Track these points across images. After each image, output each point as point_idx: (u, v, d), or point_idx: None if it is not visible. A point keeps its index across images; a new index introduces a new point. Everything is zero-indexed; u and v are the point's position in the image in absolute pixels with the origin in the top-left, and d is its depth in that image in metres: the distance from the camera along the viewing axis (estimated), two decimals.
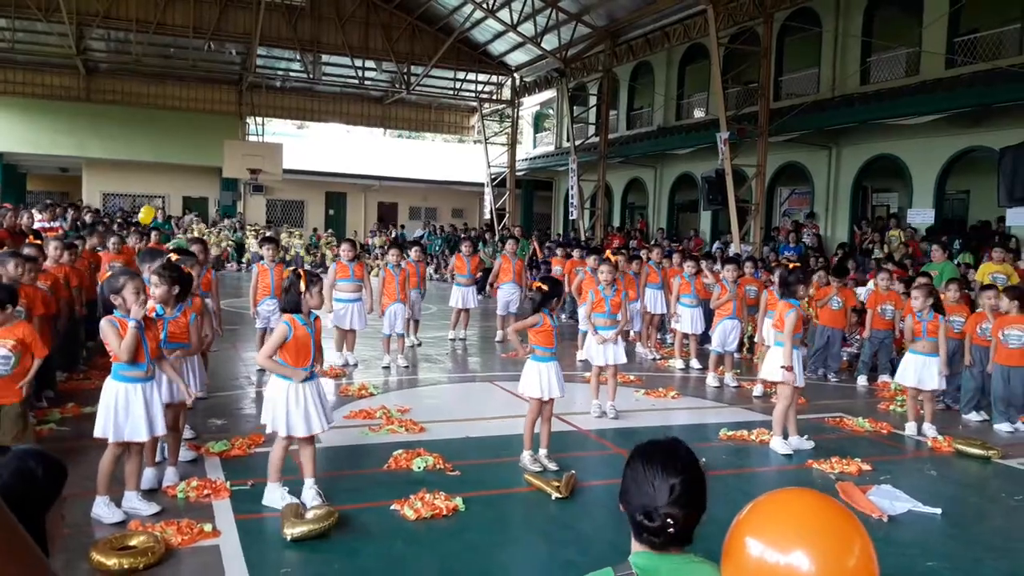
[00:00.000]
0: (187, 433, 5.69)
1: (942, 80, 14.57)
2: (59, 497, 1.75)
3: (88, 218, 16.12)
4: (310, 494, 4.69)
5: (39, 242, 7.91)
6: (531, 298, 5.79)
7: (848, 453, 6.13)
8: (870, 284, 10.71)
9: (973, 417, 7.76)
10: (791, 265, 6.96)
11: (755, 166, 17.12)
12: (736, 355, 9.36)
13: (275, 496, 4.68)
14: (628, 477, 1.80)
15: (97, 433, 4.40)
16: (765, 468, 6.00)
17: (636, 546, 1.80)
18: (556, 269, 14.03)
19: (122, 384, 4.38)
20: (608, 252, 8.86)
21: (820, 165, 17.99)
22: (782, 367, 6.22)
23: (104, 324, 4.35)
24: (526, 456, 5.59)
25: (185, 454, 5.40)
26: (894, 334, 9.42)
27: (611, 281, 7.36)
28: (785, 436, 6.32)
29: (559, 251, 14.72)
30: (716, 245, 15.96)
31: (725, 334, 8.75)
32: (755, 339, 10.67)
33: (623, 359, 7.35)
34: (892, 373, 9.23)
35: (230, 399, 7.55)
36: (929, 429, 6.87)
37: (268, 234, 18.56)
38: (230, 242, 24.28)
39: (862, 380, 9.31)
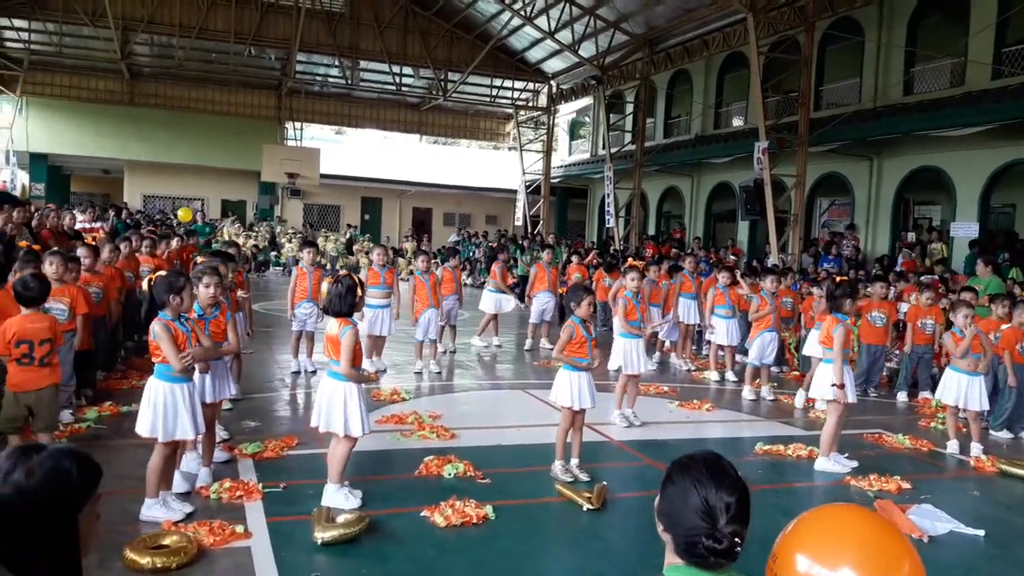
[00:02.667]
0: (221, 434, 5.74)
1: (988, 91, 14.26)
2: (94, 496, 1.75)
3: (128, 220, 16.42)
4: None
5: (92, 243, 8.07)
6: (560, 308, 5.78)
7: (887, 471, 6.00)
8: (911, 298, 10.52)
9: (1004, 435, 7.54)
10: (838, 279, 6.81)
11: (794, 176, 16.89)
12: (774, 368, 9.22)
13: (339, 496, 4.75)
14: (673, 496, 1.74)
15: (145, 432, 4.43)
16: (802, 483, 5.88)
17: (674, 560, 1.73)
18: (575, 276, 14.00)
19: (168, 384, 4.42)
20: (631, 260, 8.74)
21: (861, 176, 17.70)
22: (832, 384, 6.08)
23: (158, 328, 4.39)
24: (557, 466, 5.53)
25: (219, 455, 5.44)
26: (934, 349, 9.23)
27: (637, 289, 7.33)
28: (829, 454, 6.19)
29: (574, 259, 14.67)
30: (771, 261, 15.72)
31: (763, 347, 8.62)
32: (794, 351, 10.53)
33: (644, 367, 7.30)
34: (933, 389, 9.08)
35: (264, 401, 7.60)
36: (975, 448, 6.69)
37: (308, 238, 18.72)
38: (265, 247, 24.55)
39: (902, 396, 9.12)
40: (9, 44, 24.59)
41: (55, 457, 1.70)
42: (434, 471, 5.51)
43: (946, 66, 15.91)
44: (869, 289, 9.56)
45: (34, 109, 25.50)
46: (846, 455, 6.26)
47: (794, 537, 1.63)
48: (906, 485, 5.71)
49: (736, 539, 1.64)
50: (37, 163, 26.33)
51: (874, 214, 17.49)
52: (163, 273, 4.59)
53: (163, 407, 4.37)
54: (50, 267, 6.05)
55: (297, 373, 8.81)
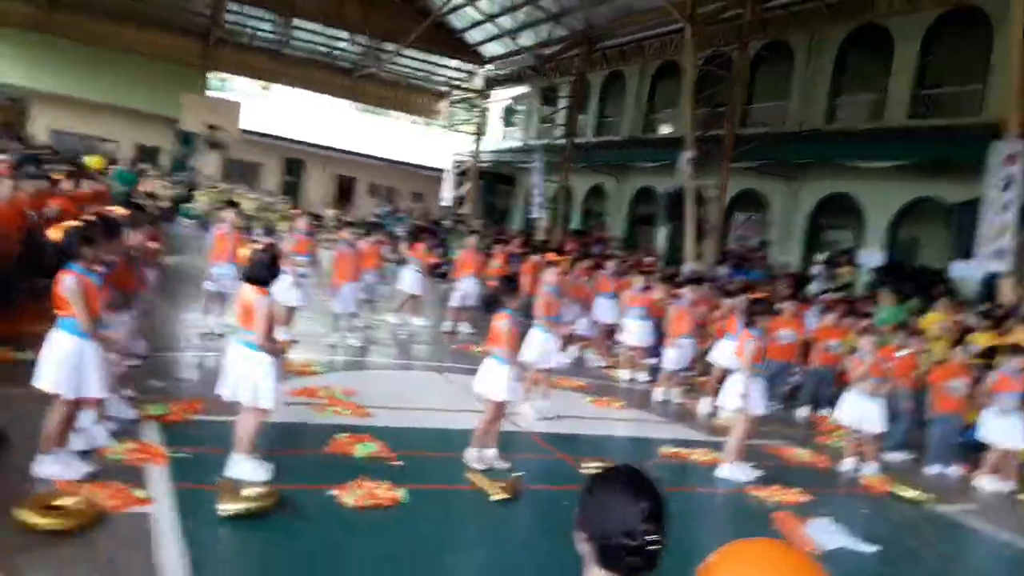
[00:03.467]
0: (128, 391, 5.47)
1: (904, 128, 14.97)
2: None
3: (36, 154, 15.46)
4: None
5: None
6: (486, 299, 5.76)
7: (787, 483, 6.22)
8: (812, 317, 10.97)
9: (897, 456, 7.95)
10: (755, 296, 7.03)
11: (715, 188, 17.33)
12: (684, 373, 9.46)
13: (247, 467, 4.63)
14: (593, 503, 1.77)
15: (48, 388, 4.19)
16: (705, 489, 6.05)
17: (594, 573, 1.76)
18: (495, 264, 14.01)
19: (75, 338, 4.19)
20: (551, 255, 8.74)
21: (778, 195, 18.31)
22: (740, 395, 6.26)
23: (71, 282, 4.14)
24: (473, 453, 5.52)
25: (126, 411, 5.20)
26: (836, 369, 9.63)
27: (557, 284, 7.39)
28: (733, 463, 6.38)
29: (497, 247, 14.69)
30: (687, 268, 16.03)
31: (679, 352, 8.82)
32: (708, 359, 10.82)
33: (554, 362, 7.43)
34: (832, 407, 9.49)
35: (170, 361, 7.31)
36: (870, 468, 7.02)
37: (231, 198, 18.05)
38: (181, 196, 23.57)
39: (803, 412, 9.48)
40: None
41: None
42: (345, 449, 5.41)
43: (867, 100, 16.62)
44: (780, 306, 9.88)
45: None
46: (751, 464, 6.47)
47: (716, 570, 1.68)
48: (804, 498, 5.94)
49: (655, 544, 1.69)
50: None
51: (788, 232, 18.14)
52: (77, 223, 4.33)
53: (69, 363, 4.14)
54: None
55: (208, 335, 8.51)
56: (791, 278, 15.12)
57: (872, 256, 15.54)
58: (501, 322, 5.56)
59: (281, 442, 5.48)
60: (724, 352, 8.84)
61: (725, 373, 8.65)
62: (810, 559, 1.76)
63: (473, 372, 8.62)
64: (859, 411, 7.06)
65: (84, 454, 4.51)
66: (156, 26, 25.93)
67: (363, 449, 5.44)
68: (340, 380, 7.44)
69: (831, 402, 9.44)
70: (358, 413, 6.35)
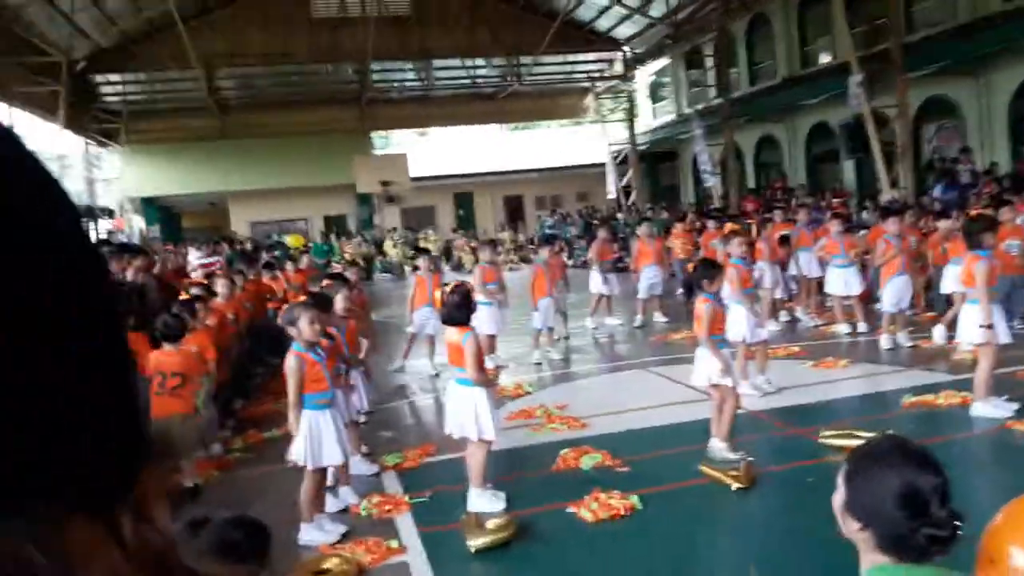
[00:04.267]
0: (363, 448, 5.87)
1: None
2: (266, 561, 1.76)
3: (247, 248, 17.11)
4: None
5: (205, 281, 8.43)
6: (686, 284, 5.58)
7: None
8: None
9: None
10: (973, 212, 6.38)
11: (895, 106, 15.97)
12: (909, 312, 8.76)
13: (484, 500, 4.84)
14: (868, 488, 1.59)
15: (297, 460, 4.57)
16: (961, 434, 5.56)
17: (878, 559, 1.61)
18: (675, 243, 13.68)
19: (313, 412, 4.56)
20: (730, 225, 8.33)
21: (968, 95, 16.57)
22: (982, 326, 5.71)
23: (290, 361, 4.53)
24: (719, 444, 5.36)
25: (367, 468, 5.59)
26: None
27: (744, 255, 7.06)
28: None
29: (678, 225, 14.31)
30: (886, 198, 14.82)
31: (897, 292, 8.19)
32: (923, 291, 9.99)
33: (764, 335, 7.07)
34: None
35: (395, 411, 7.76)
36: None
37: (420, 245, 19.07)
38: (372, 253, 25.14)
39: None
40: (108, 98, 25.98)
41: (221, 528, 1.71)
42: (572, 464, 5.48)
43: None
44: (999, 214, 8.92)
45: (138, 156, 26.87)
46: (1004, 397, 5.86)
47: (1006, 530, 1.49)
48: None
49: (956, 522, 1.51)
50: (148, 206, 27.79)
51: (988, 134, 16.36)
52: (286, 306, 4.72)
53: (308, 434, 4.50)
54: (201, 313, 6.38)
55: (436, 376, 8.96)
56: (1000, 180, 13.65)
57: None
58: (702, 307, 5.41)
59: (509, 467, 5.65)
60: (952, 279, 8.11)
61: (961, 301, 7.96)
62: None
63: (675, 362, 8.57)
64: None
65: (338, 515, 4.87)
66: (315, 104, 27.86)
67: (589, 461, 5.48)
68: (551, 396, 7.56)
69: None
70: (574, 426, 6.42)
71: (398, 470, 5.69)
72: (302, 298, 4.87)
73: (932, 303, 9.91)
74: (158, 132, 27.13)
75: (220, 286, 8.45)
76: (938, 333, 8.12)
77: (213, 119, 27.11)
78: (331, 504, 4.95)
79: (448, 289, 4.98)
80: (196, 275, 11.94)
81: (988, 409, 5.73)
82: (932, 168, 17.20)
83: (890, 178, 15.66)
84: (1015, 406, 5.73)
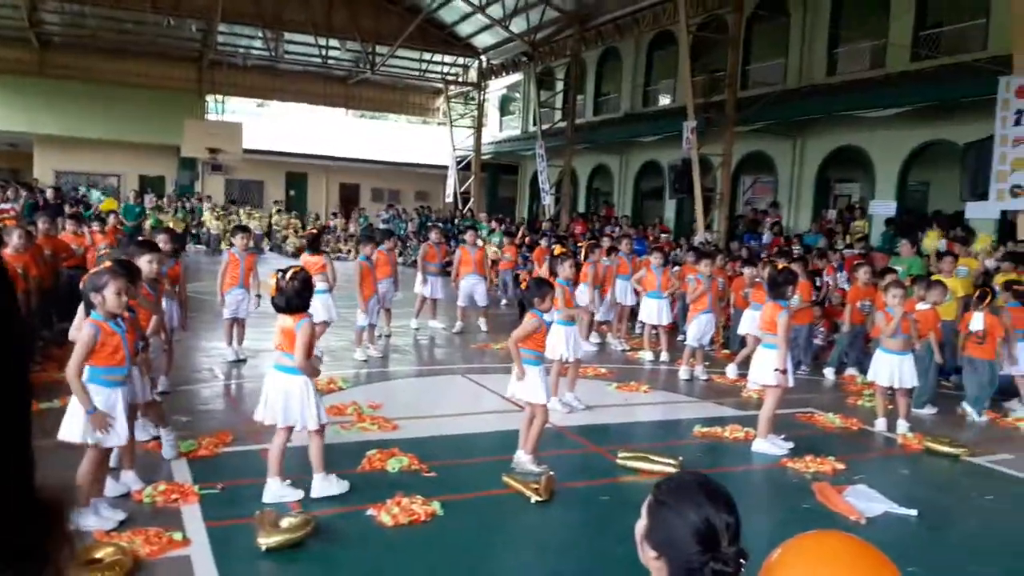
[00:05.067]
0: (150, 432, 5.49)
1: (907, 73, 14.72)
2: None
3: (44, 199, 15.62)
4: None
5: None
6: (517, 299, 5.67)
7: (821, 451, 6.16)
8: (830, 277, 10.88)
9: (926, 412, 7.82)
10: (779, 265, 6.93)
11: (721, 155, 17.17)
12: (708, 348, 9.40)
13: (327, 484, 4.83)
14: (668, 520, 1.66)
15: (72, 438, 4.19)
16: (743, 467, 6.00)
17: None
18: (506, 256, 13.97)
19: (102, 388, 4.20)
20: (559, 248, 8.57)
21: (785, 155, 18.11)
22: (776, 369, 6.20)
23: (86, 328, 4.15)
24: (525, 457, 5.45)
25: (169, 451, 5.27)
26: (866, 329, 9.57)
27: (569, 278, 7.30)
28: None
29: (505, 239, 14.64)
30: (699, 239, 15.83)
31: (701, 328, 8.77)
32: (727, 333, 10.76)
33: (580, 354, 7.34)
34: (860, 368, 9.39)
35: (194, 394, 7.34)
36: (902, 425, 6.93)
37: (241, 223, 18.17)
38: (188, 223, 23.71)
39: (829, 373, 9.39)
40: None
41: None
42: (378, 465, 5.41)
43: (867, 48, 16.36)
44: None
45: None
46: (782, 436, 6.41)
47: (781, 567, 1.61)
48: (840, 466, 5.87)
49: (742, 560, 1.61)
50: None
51: (797, 192, 17.94)
52: (94, 270, 4.32)
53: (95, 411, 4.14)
54: None
55: (236, 362, 8.56)
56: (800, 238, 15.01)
57: (884, 206, 15.33)
58: (528, 323, 5.51)
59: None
60: (750, 323, 8.79)
61: (755, 344, 8.63)
62: (880, 554, 1.68)
63: (491, 371, 8.72)
64: (892, 369, 6.95)
65: (118, 501, 4.53)
66: (150, 57, 26.03)
67: (395, 463, 5.43)
68: (365, 394, 7.45)
69: (857, 363, 9.41)
70: (385, 427, 6.35)
71: (190, 458, 5.37)
72: (107, 263, 4.45)
73: (728, 341, 10.72)
74: None
75: (14, 236, 7.70)
76: (731, 370, 8.78)
77: (30, 52, 24.69)
78: (112, 488, 4.59)
79: (288, 275, 4.76)
80: None
81: (768, 446, 6.24)
82: (743, 217, 18.60)
83: (706, 221, 16.77)
84: (791, 445, 6.27)
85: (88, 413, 4.12)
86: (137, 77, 26.05)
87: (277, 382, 4.78)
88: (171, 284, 6.73)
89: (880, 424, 7.10)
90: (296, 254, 23.21)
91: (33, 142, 26.47)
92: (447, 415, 7.02)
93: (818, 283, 10.92)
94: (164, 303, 6.34)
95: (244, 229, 9.19)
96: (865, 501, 5.10)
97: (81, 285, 4.37)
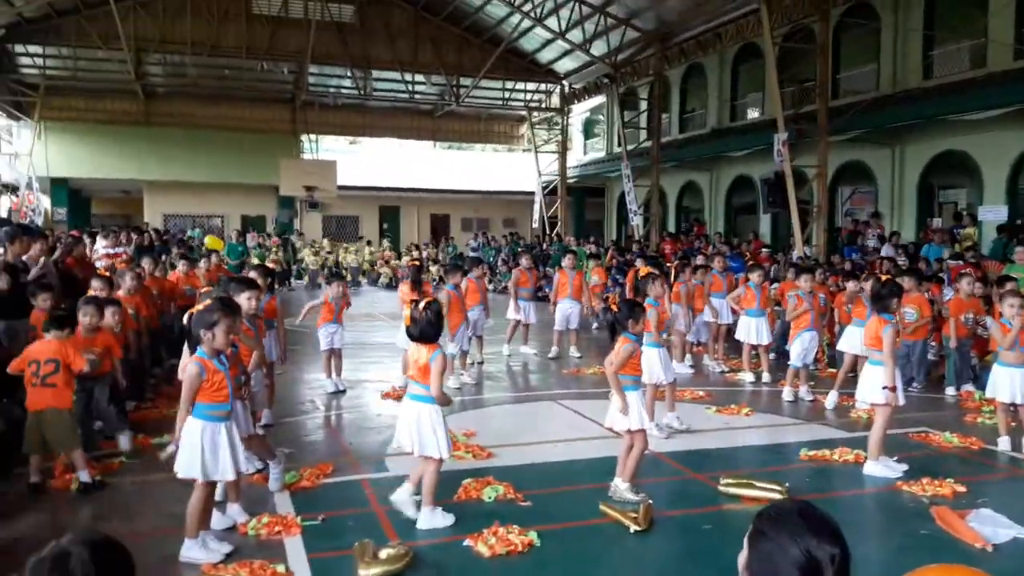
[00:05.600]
0: (257, 464, 5.64)
1: (1010, 71, 13.99)
2: None
3: (154, 243, 16.48)
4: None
5: (106, 274, 8.06)
6: (607, 322, 5.55)
7: (939, 473, 5.80)
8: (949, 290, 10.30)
9: None
10: (883, 278, 6.61)
11: (815, 166, 16.64)
12: (812, 367, 9.04)
13: (436, 517, 4.86)
14: (768, 552, 1.58)
15: (183, 474, 4.35)
16: (853, 491, 5.71)
17: None
18: (595, 280, 13.79)
19: (207, 423, 4.34)
20: (644, 268, 8.37)
21: (883, 163, 17.42)
22: (884, 387, 5.90)
23: (191, 367, 4.30)
24: (623, 485, 5.34)
25: (275, 483, 5.40)
26: (971, 341, 9.06)
27: (659, 297, 7.14)
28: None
29: (593, 262, 14.49)
30: (797, 254, 15.30)
31: (804, 347, 8.45)
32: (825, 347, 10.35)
33: (674, 376, 7.17)
34: (974, 381, 8.87)
35: (296, 426, 7.52)
36: None
37: (336, 270, 18.73)
38: (288, 259, 24.56)
39: (951, 391, 8.88)
40: (25, 70, 24.81)
41: (57, 558, 1.55)
42: (473, 495, 5.39)
43: (966, 48, 15.64)
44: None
45: (52, 134, 25.68)
46: (895, 458, 6.08)
47: None
48: (960, 488, 5.51)
49: None
50: (58, 187, 26.57)
51: (898, 201, 17.21)
52: (200, 307, 4.48)
53: (201, 447, 4.28)
54: (84, 317, 6.09)
55: (336, 393, 8.77)
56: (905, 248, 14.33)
57: (994, 212, 14.50)
58: (624, 349, 5.39)
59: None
60: (852, 340, 8.42)
61: (855, 362, 8.26)
62: None
63: (585, 396, 8.62)
64: (1013, 384, 6.50)
65: (224, 534, 4.65)
66: (246, 101, 27.27)
67: (491, 492, 5.41)
68: (459, 422, 7.46)
69: (974, 378, 8.89)
70: (480, 455, 6.34)
71: (292, 490, 5.48)
72: (207, 301, 4.62)
73: (833, 360, 10.28)
74: (77, 111, 26.05)
75: (127, 278, 8.13)
76: (831, 399, 8.32)
77: (136, 103, 26.23)
78: (218, 521, 4.72)
79: (422, 306, 4.89)
80: (100, 265, 11.42)
81: (880, 468, 5.92)
82: (842, 229, 17.94)
83: (804, 235, 16.25)
84: (905, 467, 5.93)
85: (174, 446, 4.33)
86: (235, 121, 27.31)
87: (410, 410, 4.90)
88: (269, 319, 6.93)
89: (1003, 443, 6.65)
90: (390, 286, 23.75)
91: (143, 188, 28.04)
92: (542, 442, 6.96)
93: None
94: (264, 338, 6.54)
95: (339, 277, 9.58)
96: (991, 526, 4.76)
97: (185, 322, 4.53)
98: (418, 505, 4.91)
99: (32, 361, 5.45)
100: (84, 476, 5.43)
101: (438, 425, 4.84)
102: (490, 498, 5.33)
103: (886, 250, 14.48)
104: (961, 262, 11.95)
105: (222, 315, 4.37)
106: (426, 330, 4.83)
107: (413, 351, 4.93)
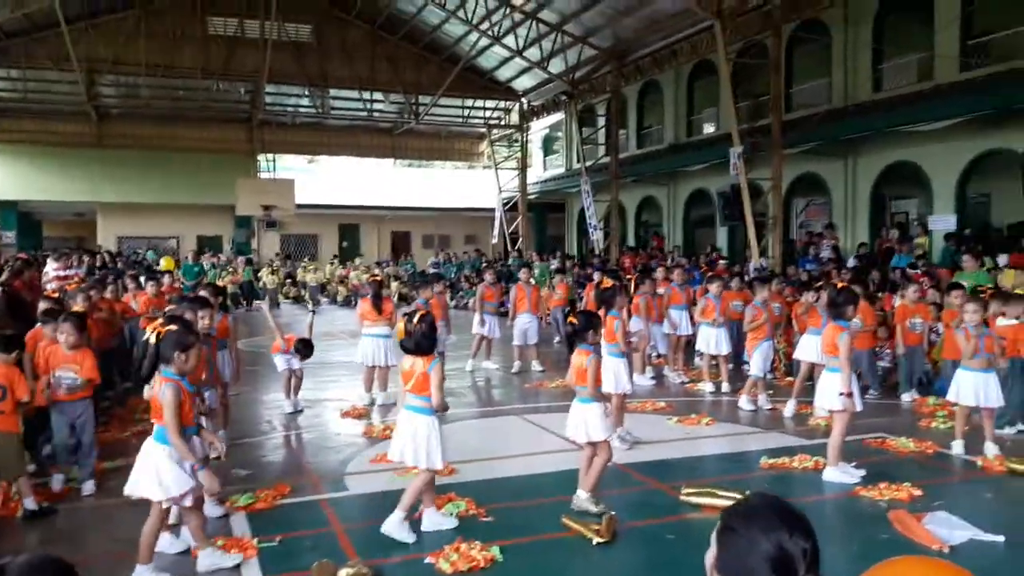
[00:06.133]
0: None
1: (957, 83, 14.38)
2: None
3: (107, 264, 16.14)
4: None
5: (54, 295, 7.86)
6: (566, 334, 5.55)
7: (896, 478, 5.87)
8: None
9: (1008, 432, 7.42)
10: (839, 284, 6.69)
11: (770, 179, 16.91)
12: (769, 375, 9.13)
13: (437, 518, 5.00)
14: (738, 547, 1.54)
15: (156, 496, 4.18)
16: (813, 497, 5.74)
17: None
18: (558, 293, 13.84)
19: (170, 449, 4.20)
20: (605, 280, 8.40)
21: (837, 175, 17.76)
22: (841, 393, 5.97)
23: (168, 392, 4.16)
24: (584, 496, 5.32)
25: (213, 510, 5.22)
26: (924, 348, 9.23)
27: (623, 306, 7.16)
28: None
29: (556, 276, 14.53)
30: (753, 265, 15.50)
31: (764, 357, 8.53)
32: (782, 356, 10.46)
33: (631, 388, 7.19)
34: (920, 387, 9.05)
35: (253, 446, 7.37)
36: (991, 448, 6.56)
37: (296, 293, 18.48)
38: (248, 282, 24.22)
39: (907, 397, 9.02)
40: None
41: (18, 572, 1.49)
42: None
43: (914, 62, 16.05)
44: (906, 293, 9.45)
45: (1, 156, 25.11)
46: (853, 464, 6.14)
47: None
48: (917, 492, 5.58)
49: None
50: (6, 210, 25.95)
51: (852, 212, 17.54)
52: (173, 328, 4.36)
53: (167, 471, 4.17)
54: (62, 335, 5.87)
55: (294, 414, 8.62)
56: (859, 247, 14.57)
57: (943, 221, 14.86)
58: (584, 359, 5.39)
59: (370, 513, 5.42)
60: (808, 349, 8.52)
61: (812, 370, 8.36)
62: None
63: (547, 410, 8.59)
64: (977, 388, 6.61)
65: (178, 557, 4.52)
66: (201, 121, 26.95)
67: (452, 508, 5.34)
68: None
69: (923, 383, 9.07)
70: (442, 471, 6.24)
71: (248, 511, 5.36)
72: (158, 319, 4.53)
73: (791, 369, 10.39)
74: (26, 132, 25.54)
75: (78, 299, 7.93)
76: (789, 408, 8.38)
77: (89, 125, 25.79)
78: (171, 545, 4.60)
79: (415, 319, 4.92)
80: (50, 287, 11.15)
81: (839, 474, 5.97)
82: (797, 240, 18.24)
83: (760, 247, 16.47)
84: (863, 473, 5.99)
85: (200, 469, 4.22)
86: (190, 141, 26.97)
87: (407, 422, 4.92)
88: (221, 338, 6.80)
89: (957, 447, 6.76)
90: (347, 303, 23.54)
91: (96, 210, 27.52)
92: (504, 457, 6.91)
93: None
94: (216, 358, 6.42)
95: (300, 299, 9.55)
96: (947, 528, 4.82)
97: (152, 340, 4.34)
98: (410, 528, 4.86)
99: None
100: (30, 503, 5.25)
101: (435, 437, 4.87)
102: (452, 514, 5.26)
103: (851, 262, 14.75)
104: (916, 271, 12.22)
105: (196, 339, 4.41)
106: (421, 342, 4.89)
107: (407, 364, 4.97)
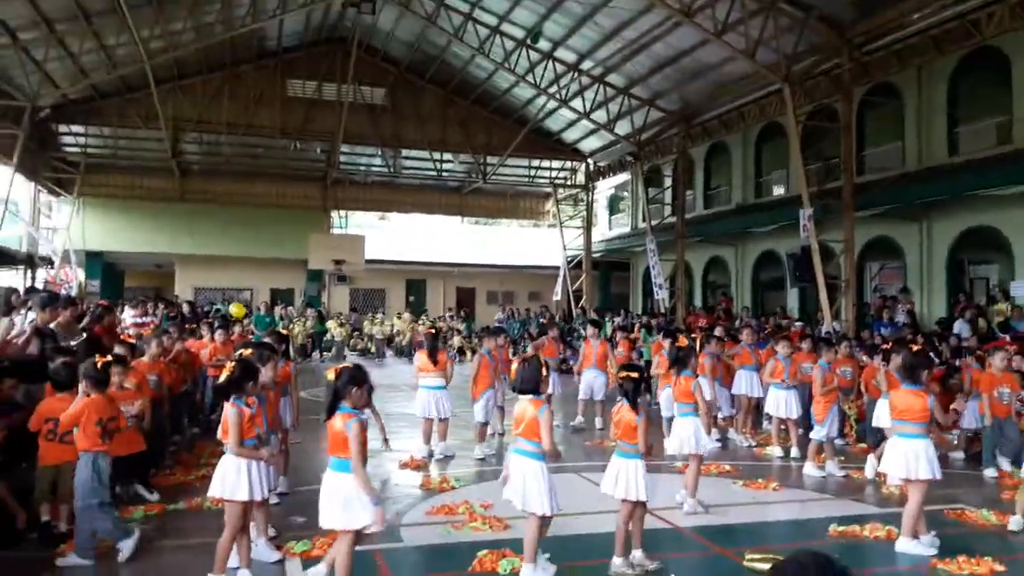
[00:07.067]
0: (269, 532, 5.54)
1: None
2: None
3: (185, 311, 16.70)
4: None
5: (129, 339, 8.14)
6: (625, 390, 5.45)
7: (975, 551, 5.54)
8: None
9: None
10: (914, 347, 6.46)
11: (842, 241, 16.56)
12: (837, 441, 8.80)
13: (539, 573, 4.94)
14: None
15: (216, 494, 4.75)
16: (885, 568, 5.46)
17: None
18: (619, 351, 13.63)
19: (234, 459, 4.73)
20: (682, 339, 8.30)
21: (911, 239, 17.29)
22: (925, 458, 5.72)
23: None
24: (619, 562, 5.20)
25: (270, 554, 5.24)
26: (1013, 419, 8.76)
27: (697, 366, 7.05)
28: (914, 535, 5.76)
29: (619, 334, 14.36)
30: (825, 328, 15.13)
31: (832, 422, 8.25)
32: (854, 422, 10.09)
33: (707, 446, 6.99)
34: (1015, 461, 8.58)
35: (311, 494, 7.37)
36: None
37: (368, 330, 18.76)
38: (315, 331, 24.70)
39: (990, 472, 8.55)
40: (67, 148, 25.71)
41: None
42: (488, 567, 5.23)
43: (991, 125, 15.65)
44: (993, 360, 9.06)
45: (90, 209, 26.41)
46: (931, 534, 5.82)
47: None
48: (999, 567, 5.26)
49: None
50: (92, 260, 27.16)
51: (928, 276, 17.00)
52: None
53: (233, 472, 4.68)
54: (115, 377, 6.14)
55: None
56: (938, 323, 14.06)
57: None
58: (629, 415, 5.31)
59: (425, 566, 5.38)
60: (883, 413, 8.19)
61: (884, 437, 8.02)
62: None
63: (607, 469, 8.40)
64: None
65: None
66: (278, 178, 27.95)
67: (507, 565, 5.24)
68: (477, 493, 7.32)
69: (1013, 454, 8.60)
70: (496, 527, 6.18)
71: (304, 558, 5.36)
72: (229, 364, 4.84)
73: (863, 434, 9.99)
74: (115, 187, 26.82)
75: (152, 345, 8.19)
76: (870, 466, 8.09)
77: (172, 181, 26.98)
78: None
79: (526, 357, 5.17)
80: (127, 333, 11.54)
81: (914, 545, 5.67)
82: (870, 304, 17.72)
83: (832, 310, 16.06)
84: (937, 543, 5.68)
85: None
86: (267, 197, 27.96)
87: (518, 466, 4.95)
88: (283, 384, 6.91)
89: (1015, 522, 6.32)
90: (406, 354, 23.73)
91: (175, 262, 28.59)
92: (561, 515, 6.76)
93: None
94: (277, 405, 6.53)
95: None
96: None
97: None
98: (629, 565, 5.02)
99: (49, 418, 5.55)
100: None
101: (543, 481, 4.88)
102: (506, 571, 5.16)
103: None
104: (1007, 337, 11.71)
105: (272, 354, 5.34)
106: (528, 380, 5.00)
107: (519, 408, 5.05)
